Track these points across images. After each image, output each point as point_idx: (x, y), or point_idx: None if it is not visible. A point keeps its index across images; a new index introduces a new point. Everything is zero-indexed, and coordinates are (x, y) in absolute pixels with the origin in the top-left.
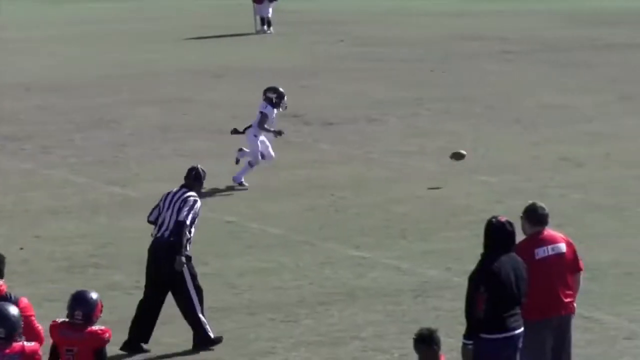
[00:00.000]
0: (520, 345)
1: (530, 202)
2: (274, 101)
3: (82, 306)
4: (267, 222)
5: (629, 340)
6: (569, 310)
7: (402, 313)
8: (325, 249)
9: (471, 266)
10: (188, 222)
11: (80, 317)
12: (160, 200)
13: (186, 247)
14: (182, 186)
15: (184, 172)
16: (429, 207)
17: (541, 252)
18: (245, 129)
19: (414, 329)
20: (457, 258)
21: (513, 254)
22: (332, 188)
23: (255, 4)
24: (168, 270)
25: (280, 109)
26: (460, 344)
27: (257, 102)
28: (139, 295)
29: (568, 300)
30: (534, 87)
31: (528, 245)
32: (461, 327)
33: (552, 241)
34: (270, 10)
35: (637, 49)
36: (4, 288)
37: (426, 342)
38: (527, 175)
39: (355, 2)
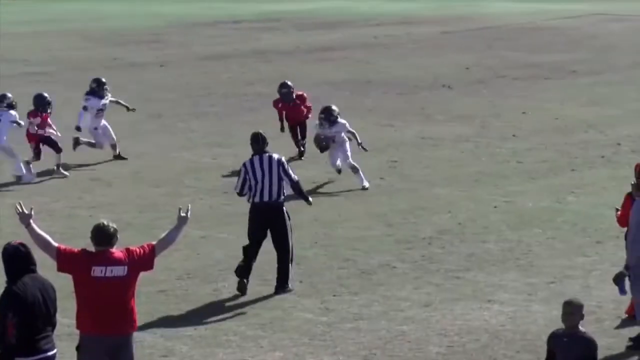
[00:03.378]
0: None
1: (99, 222)
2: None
3: None
4: None
5: (165, 357)
6: (125, 331)
7: None
8: None
9: None
10: (297, 177)
11: None
12: (246, 172)
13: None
14: (257, 153)
15: None
16: None
17: (98, 272)
18: None
19: None
20: None
21: (37, 275)
22: None
23: None
24: (279, 228)
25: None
26: None
27: None
28: None
29: (125, 320)
30: (58, 108)
31: (88, 260)
32: None
33: (114, 263)
34: None
35: (156, 67)
36: None
37: None
38: (55, 197)
39: None
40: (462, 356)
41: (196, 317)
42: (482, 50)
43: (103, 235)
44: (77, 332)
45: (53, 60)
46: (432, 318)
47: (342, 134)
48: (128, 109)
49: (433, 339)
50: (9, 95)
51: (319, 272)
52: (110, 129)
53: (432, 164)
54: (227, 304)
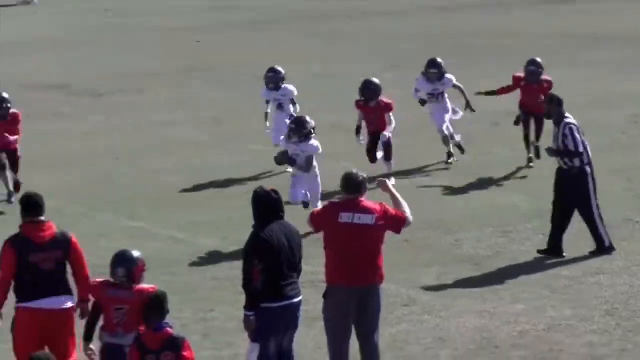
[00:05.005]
0: (299, 313)
1: (349, 170)
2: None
3: (123, 264)
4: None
5: (407, 307)
6: (372, 280)
7: (180, 283)
8: (100, 219)
9: (246, 235)
10: None
11: (122, 275)
12: (578, 131)
13: None
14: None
15: None
16: (197, 178)
17: (345, 217)
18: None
19: (192, 298)
20: (233, 227)
21: (285, 222)
22: (101, 158)
23: None
24: None
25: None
26: (242, 314)
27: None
28: None
29: (372, 270)
30: (300, 56)
31: (335, 207)
32: (240, 297)
33: (362, 210)
34: None
35: (391, 17)
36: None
37: None
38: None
39: None
40: None
41: (437, 267)
42: None
43: (351, 183)
44: (320, 279)
45: (283, 9)
46: None
47: (313, 157)
48: (467, 104)
49: None
50: (279, 69)
51: None
52: (447, 118)
53: None
54: (468, 254)
